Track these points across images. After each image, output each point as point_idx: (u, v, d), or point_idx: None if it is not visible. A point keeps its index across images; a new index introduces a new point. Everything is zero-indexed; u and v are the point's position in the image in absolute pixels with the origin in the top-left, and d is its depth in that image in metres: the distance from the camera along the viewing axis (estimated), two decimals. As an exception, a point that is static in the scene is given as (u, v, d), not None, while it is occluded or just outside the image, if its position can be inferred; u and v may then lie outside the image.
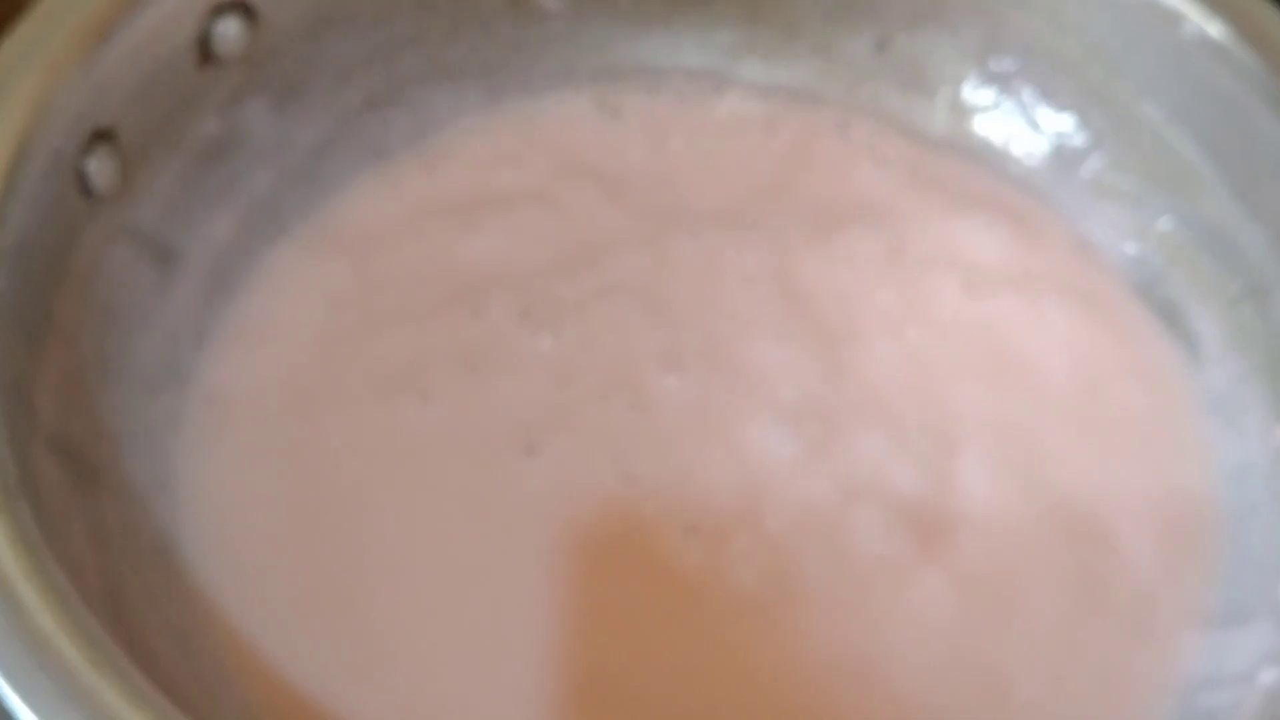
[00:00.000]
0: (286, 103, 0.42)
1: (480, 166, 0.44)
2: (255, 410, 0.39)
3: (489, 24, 0.44)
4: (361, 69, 0.43)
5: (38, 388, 0.35)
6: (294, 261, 0.42)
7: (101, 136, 0.37)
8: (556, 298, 0.42)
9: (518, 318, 0.41)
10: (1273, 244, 0.39)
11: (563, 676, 0.36)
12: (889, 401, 0.40)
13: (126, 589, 0.35)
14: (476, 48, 0.44)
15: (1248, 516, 0.39)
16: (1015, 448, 0.40)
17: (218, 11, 0.39)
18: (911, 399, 0.40)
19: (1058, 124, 0.44)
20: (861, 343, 0.41)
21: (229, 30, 0.40)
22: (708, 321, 0.41)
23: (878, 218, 0.43)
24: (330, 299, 0.41)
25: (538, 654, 0.36)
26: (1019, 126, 0.45)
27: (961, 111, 0.45)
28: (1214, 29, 0.40)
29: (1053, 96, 0.44)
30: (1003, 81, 0.45)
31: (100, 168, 0.37)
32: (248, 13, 0.40)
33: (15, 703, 0.29)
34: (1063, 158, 0.44)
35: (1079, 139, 0.44)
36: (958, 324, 0.42)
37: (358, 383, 0.40)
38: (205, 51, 0.39)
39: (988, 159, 0.45)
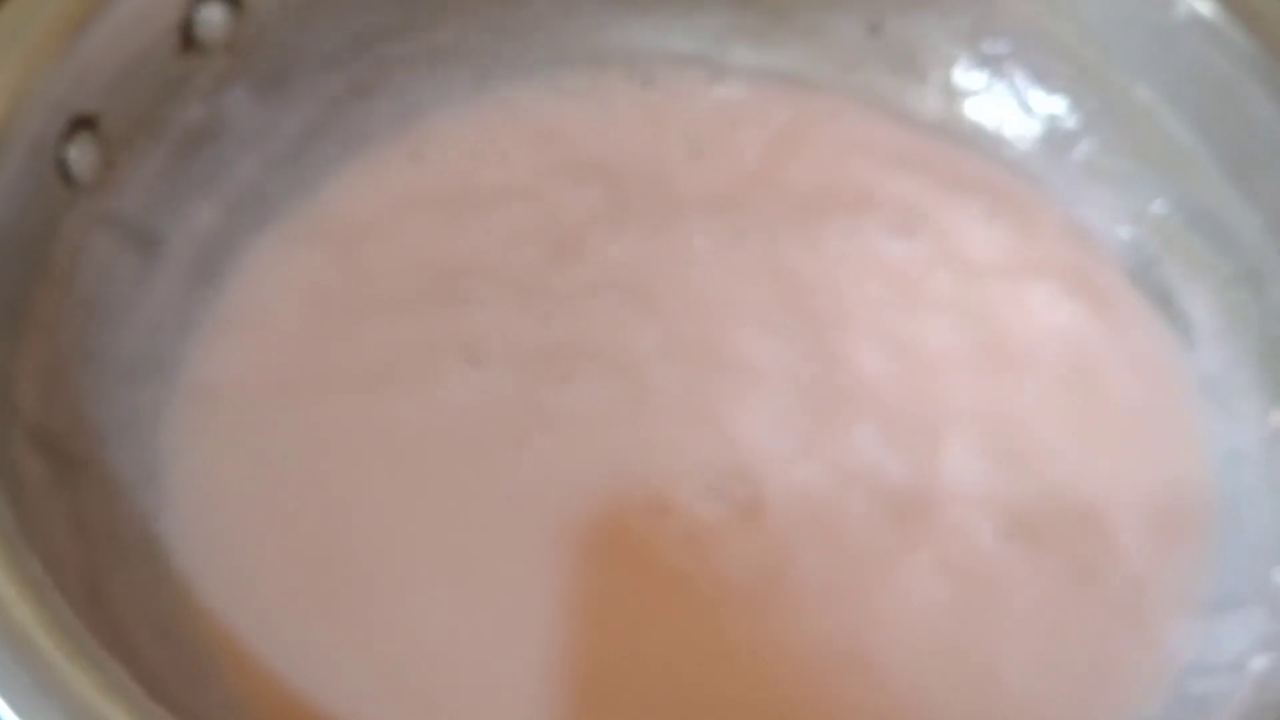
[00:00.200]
0: (270, 90, 0.41)
1: (467, 154, 0.43)
2: (239, 400, 0.39)
3: (475, 9, 0.44)
4: (346, 55, 0.42)
5: (17, 378, 0.35)
6: (278, 250, 0.41)
7: (82, 124, 0.37)
8: (544, 287, 0.41)
9: (505, 307, 0.41)
10: (1266, 226, 0.39)
11: (553, 666, 0.36)
12: (880, 390, 0.40)
13: (109, 580, 0.35)
14: (463, 34, 0.44)
15: (1240, 502, 0.38)
16: (1007, 435, 0.40)
17: (199, -2, 0.39)
18: (903, 387, 0.40)
19: (1050, 107, 0.44)
20: (853, 331, 0.41)
21: (212, 16, 0.39)
22: (698, 310, 0.41)
23: (869, 203, 0.43)
24: (315, 288, 0.41)
25: (527, 644, 0.36)
26: (1011, 110, 0.44)
27: (953, 95, 0.45)
28: (1206, 9, 0.40)
29: (1045, 79, 0.44)
30: (995, 64, 0.44)
31: (81, 155, 0.37)
32: (230, -1, 0.40)
33: (-10, 694, 0.29)
34: (1055, 141, 0.44)
35: (1071, 122, 0.44)
36: (950, 310, 0.41)
37: (343, 373, 0.40)
38: (188, 38, 0.39)
39: (980, 143, 0.44)
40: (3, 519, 0.31)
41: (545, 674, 0.36)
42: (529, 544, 0.37)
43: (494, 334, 0.40)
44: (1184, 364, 0.41)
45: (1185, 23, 0.40)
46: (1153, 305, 0.42)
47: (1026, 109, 0.44)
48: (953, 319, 0.41)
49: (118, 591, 0.35)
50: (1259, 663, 0.34)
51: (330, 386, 0.39)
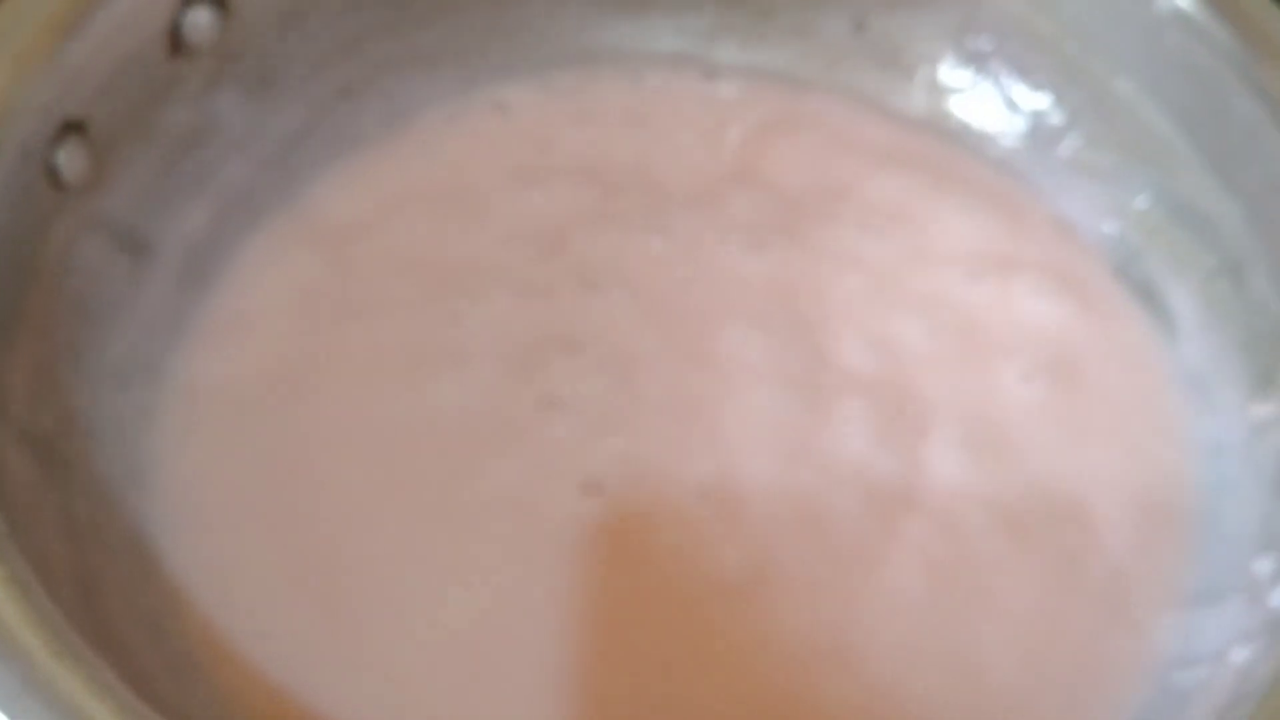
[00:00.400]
0: (259, 92, 0.41)
1: (455, 154, 0.44)
2: (230, 402, 0.39)
3: (463, 10, 0.44)
4: (334, 57, 0.43)
5: (8, 380, 0.35)
6: (268, 252, 0.41)
7: (72, 128, 0.37)
8: (534, 286, 0.41)
9: (495, 306, 0.41)
10: (1248, 218, 0.39)
11: (541, 663, 0.36)
12: (866, 385, 0.40)
13: (98, 580, 0.35)
14: (450, 34, 0.44)
15: (1223, 494, 0.38)
16: (991, 429, 0.40)
17: (188, 1, 0.39)
18: (888, 382, 0.40)
19: (1034, 103, 0.44)
20: (839, 327, 0.41)
21: (199, 20, 0.39)
22: (686, 308, 0.41)
23: (856, 200, 0.43)
24: (305, 289, 0.41)
25: (515, 643, 0.36)
26: (996, 106, 0.45)
27: (939, 92, 0.45)
28: (1186, 4, 0.40)
29: (1029, 75, 0.44)
30: (980, 61, 0.44)
31: (71, 159, 0.37)
32: (218, 2, 0.40)
33: (-24, 692, 0.29)
34: (1040, 137, 0.44)
35: (1056, 117, 0.44)
36: (935, 306, 0.42)
37: (333, 374, 0.40)
38: (176, 41, 0.39)
39: (965, 139, 0.45)
40: (-8, 520, 0.32)
41: (534, 670, 0.36)
42: (518, 543, 0.37)
43: (484, 334, 0.41)
44: (1167, 357, 0.41)
45: (1166, 17, 0.40)
46: (1136, 299, 0.42)
47: (1011, 105, 0.44)
48: (938, 314, 0.41)
49: (107, 592, 0.35)
50: (1240, 654, 0.34)
51: (320, 387, 0.40)
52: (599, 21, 0.45)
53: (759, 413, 0.39)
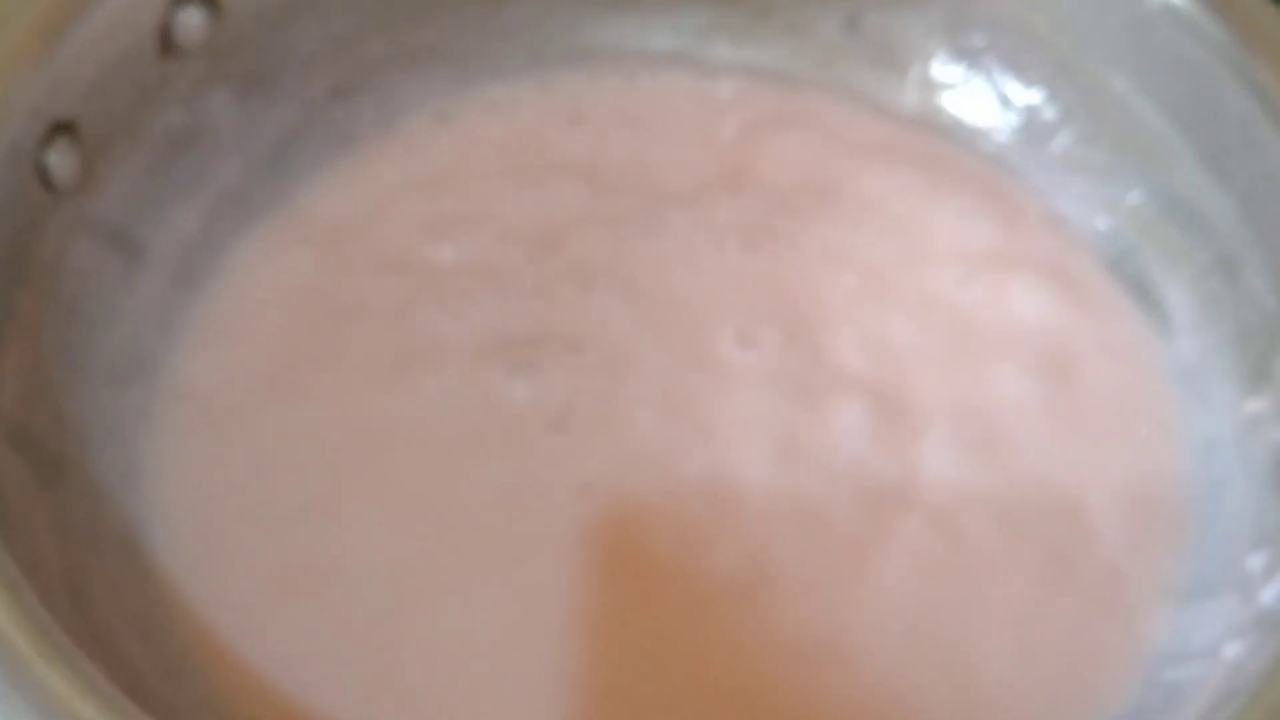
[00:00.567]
0: (251, 92, 0.41)
1: (449, 153, 0.44)
2: (223, 403, 0.39)
3: (456, 8, 0.44)
4: (327, 56, 0.43)
5: (-1, 381, 0.35)
6: (261, 252, 0.41)
7: (62, 129, 0.37)
8: (529, 285, 0.41)
9: (490, 306, 0.41)
10: (1241, 213, 0.39)
11: (534, 662, 0.36)
12: (860, 383, 0.40)
13: (90, 582, 0.35)
14: (443, 33, 0.44)
15: (1216, 490, 0.38)
16: (985, 426, 0.40)
17: (178, 1, 0.39)
18: (882, 379, 0.40)
19: (1027, 98, 0.44)
20: (832, 324, 0.41)
21: (190, 20, 0.39)
22: (681, 306, 0.41)
23: (850, 198, 0.43)
24: (298, 289, 0.41)
25: (509, 642, 0.36)
26: (989, 102, 0.44)
27: (932, 88, 0.45)
28: (1178, -2, 0.40)
29: (1022, 71, 0.44)
30: (972, 58, 0.44)
31: (61, 160, 0.37)
32: (209, 2, 0.40)
33: (-37, 693, 0.29)
34: (1033, 133, 0.44)
35: (1049, 113, 0.44)
36: (928, 302, 0.41)
37: (326, 374, 0.40)
38: (167, 41, 0.39)
39: (958, 136, 0.45)
40: (-19, 521, 0.32)
41: (527, 669, 0.36)
42: (512, 542, 0.37)
43: (479, 334, 0.40)
44: (1160, 353, 0.41)
45: (1158, 12, 0.40)
46: (1130, 295, 0.42)
47: (1004, 101, 0.44)
48: (931, 311, 0.41)
49: (99, 593, 0.35)
50: (1232, 649, 0.34)
51: (313, 387, 0.40)
52: (593, 20, 0.45)
53: (754, 412, 0.39)
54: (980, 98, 0.45)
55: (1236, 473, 0.38)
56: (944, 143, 0.44)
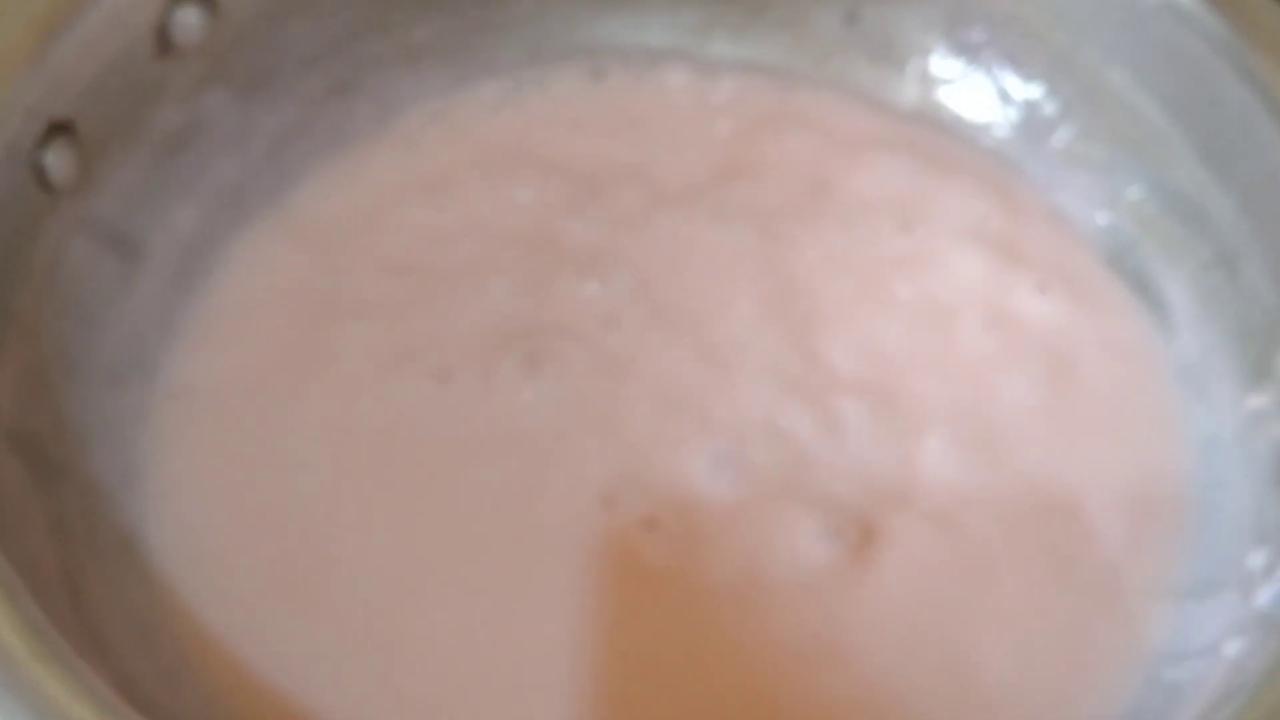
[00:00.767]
0: (248, 91, 0.41)
1: (446, 151, 0.43)
2: (221, 403, 0.39)
3: (453, 8, 0.44)
4: (324, 55, 0.43)
5: (-3, 382, 0.35)
6: (259, 251, 0.41)
7: (59, 129, 0.37)
8: (528, 283, 0.41)
9: (486, 304, 0.41)
10: (1240, 209, 0.39)
11: (530, 663, 0.36)
12: (859, 382, 0.40)
13: (87, 582, 0.35)
14: (440, 31, 0.44)
15: (1217, 488, 0.38)
16: (985, 423, 0.39)
17: (175, 0, 0.39)
18: (882, 376, 0.40)
19: (1027, 93, 0.44)
20: (832, 320, 0.41)
21: (188, 19, 0.39)
22: (680, 304, 0.41)
23: (848, 193, 0.43)
24: (297, 288, 0.41)
25: (504, 643, 0.36)
26: (988, 97, 0.44)
27: (931, 83, 0.45)
28: (1177, -8, 0.40)
29: (1021, 66, 0.44)
30: (971, 52, 0.44)
31: (59, 160, 0.37)
32: (206, 1, 0.40)
33: (-42, 695, 0.29)
34: (1032, 128, 0.44)
35: (1048, 108, 0.44)
36: (927, 298, 0.41)
37: (325, 373, 0.40)
38: (164, 41, 0.39)
39: (958, 131, 0.44)
40: (-22, 522, 0.32)
41: (526, 668, 0.36)
42: (510, 541, 0.37)
43: (477, 332, 0.40)
44: (1161, 349, 0.41)
45: (1158, 7, 0.40)
46: (1130, 291, 0.42)
47: (1004, 96, 0.44)
48: (930, 307, 0.41)
49: (96, 593, 0.35)
50: (1232, 647, 0.34)
51: (311, 386, 0.39)
52: (590, 18, 0.45)
53: (754, 410, 0.39)
54: (979, 93, 0.44)
55: (1237, 470, 0.38)
56: (943, 138, 0.44)
